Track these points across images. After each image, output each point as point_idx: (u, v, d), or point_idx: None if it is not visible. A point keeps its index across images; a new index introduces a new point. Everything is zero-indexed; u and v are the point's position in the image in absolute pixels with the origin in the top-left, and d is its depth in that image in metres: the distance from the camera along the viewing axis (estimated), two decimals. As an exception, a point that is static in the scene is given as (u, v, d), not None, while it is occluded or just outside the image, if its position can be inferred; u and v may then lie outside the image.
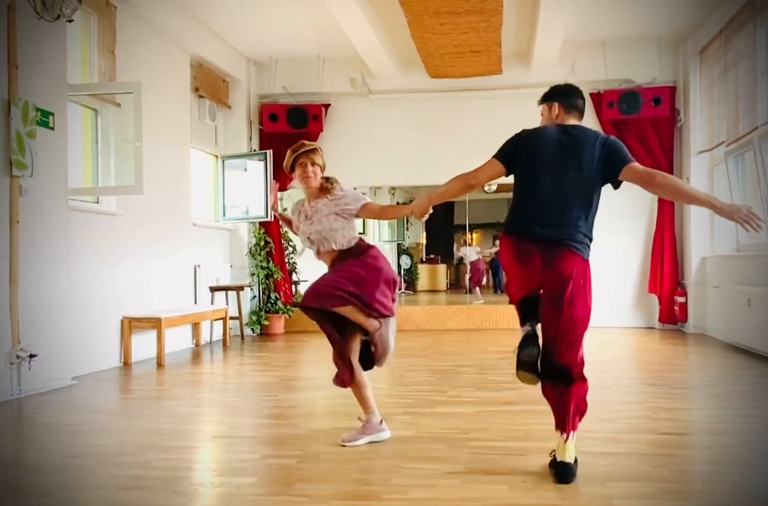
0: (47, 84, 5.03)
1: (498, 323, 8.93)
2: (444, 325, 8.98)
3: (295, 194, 9.77)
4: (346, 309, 3.34)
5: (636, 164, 2.94)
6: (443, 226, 12.70)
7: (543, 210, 2.95)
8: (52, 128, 5.06)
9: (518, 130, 3.48)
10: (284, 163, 3.59)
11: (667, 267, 8.47)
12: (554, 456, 2.92)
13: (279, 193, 8.94)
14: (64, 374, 5.15)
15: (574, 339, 2.89)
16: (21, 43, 4.77)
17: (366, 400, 3.51)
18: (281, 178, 8.94)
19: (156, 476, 2.93)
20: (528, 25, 7.57)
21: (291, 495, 2.70)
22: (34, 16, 4.87)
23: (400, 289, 13.50)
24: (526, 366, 2.92)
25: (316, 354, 7.22)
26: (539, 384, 2.98)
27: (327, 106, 9.02)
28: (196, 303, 7.73)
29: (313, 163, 3.50)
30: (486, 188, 9.89)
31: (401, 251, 14.04)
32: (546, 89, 3.52)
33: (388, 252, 13.95)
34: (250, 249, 8.82)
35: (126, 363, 6.18)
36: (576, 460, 2.88)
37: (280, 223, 4.00)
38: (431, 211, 3.28)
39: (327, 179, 3.56)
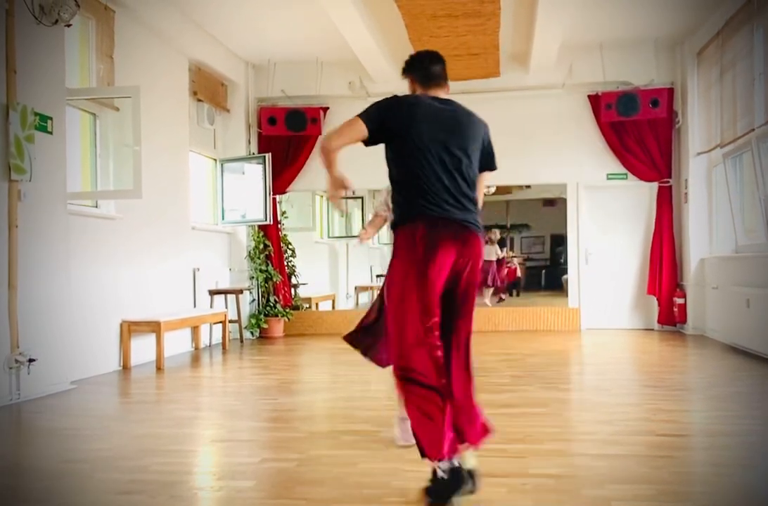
0: (46, 88, 5.04)
1: (497, 325, 8.94)
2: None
3: (294, 197, 9.80)
4: None
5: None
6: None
7: (446, 189, 2.67)
8: (51, 132, 5.06)
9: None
10: None
11: (665, 269, 8.48)
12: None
13: (278, 196, 9.02)
14: (63, 378, 5.15)
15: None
16: (19, 48, 4.77)
17: None
18: (280, 181, 8.98)
19: (155, 480, 2.93)
20: (525, 28, 7.59)
21: (291, 498, 2.70)
22: (33, 21, 4.88)
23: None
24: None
25: (316, 358, 7.22)
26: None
27: (325, 109, 9.03)
28: (195, 306, 7.73)
29: None
30: (485, 190, 9.83)
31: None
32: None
33: (387, 255, 13.93)
34: (249, 252, 8.83)
35: (125, 367, 6.18)
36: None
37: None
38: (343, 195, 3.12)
39: None
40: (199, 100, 8.05)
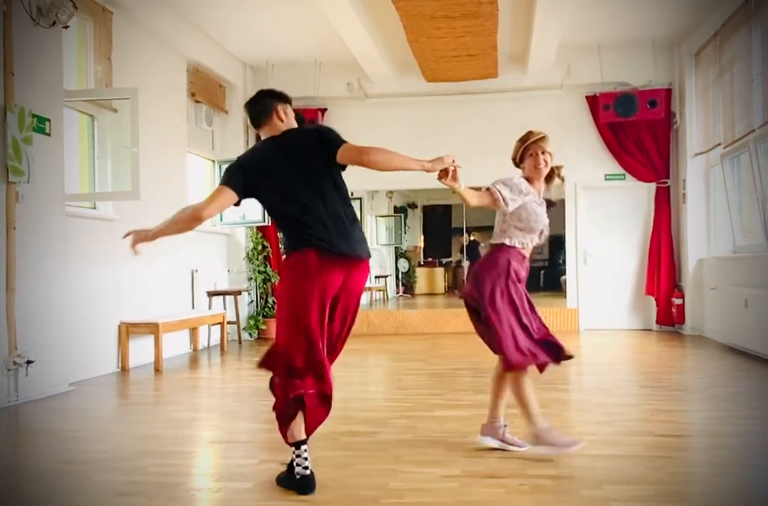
0: (43, 90, 5.04)
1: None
2: (442, 329, 8.97)
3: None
4: None
5: (349, 143, 2.92)
6: (441, 229, 12.70)
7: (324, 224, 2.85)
8: (49, 134, 5.06)
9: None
10: (511, 155, 3.43)
11: (664, 269, 8.48)
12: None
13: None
14: (61, 380, 5.15)
15: None
16: (17, 50, 4.77)
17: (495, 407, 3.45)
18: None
19: (154, 481, 2.93)
20: (524, 29, 7.59)
21: (289, 500, 2.70)
22: (30, 23, 4.88)
23: (397, 293, 13.51)
24: None
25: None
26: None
27: (324, 110, 9.03)
28: (193, 308, 7.72)
29: (544, 152, 3.33)
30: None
31: (399, 255, 14.03)
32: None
33: (385, 255, 13.96)
34: (248, 253, 8.83)
35: (123, 369, 6.17)
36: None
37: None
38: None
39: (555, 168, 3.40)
40: (197, 102, 8.05)
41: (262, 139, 3.15)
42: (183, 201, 7.54)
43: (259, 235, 8.81)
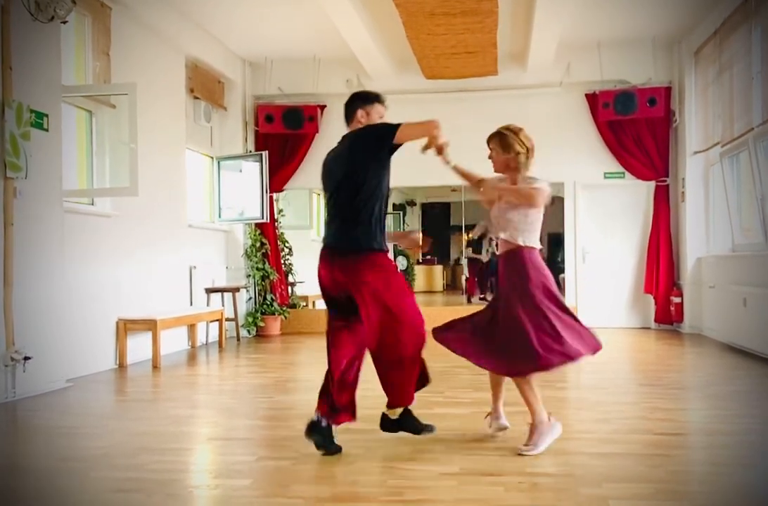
0: (41, 85, 5.01)
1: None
2: (440, 326, 8.94)
3: (291, 195, 9.78)
4: None
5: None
6: (439, 227, 12.69)
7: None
8: (47, 130, 5.04)
9: None
10: None
11: (662, 268, 8.48)
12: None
13: (275, 194, 9.00)
14: (59, 376, 5.13)
15: None
16: (15, 45, 4.75)
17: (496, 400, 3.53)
18: (277, 179, 8.96)
19: (151, 478, 2.92)
20: (523, 26, 7.58)
21: (287, 497, 2.69)
22: (28, 18, 4.85)
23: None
24: None
25: (312, 356, 7.20)
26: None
27: (323, 107, 9.01)
28: (191, 304, 7.71)
29: (492, 149, 3.59)
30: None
31: (397, 252, 14.01)
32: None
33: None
34: (246, 250, 8.81)
35: (121, 365, 6.16)
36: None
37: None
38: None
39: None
40: (196, 98, 8.02)
41: None
42: (181, 198, 7.55)
43: (258, 231, 8.79)
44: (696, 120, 8.17)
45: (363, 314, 3.22)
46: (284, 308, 8.88)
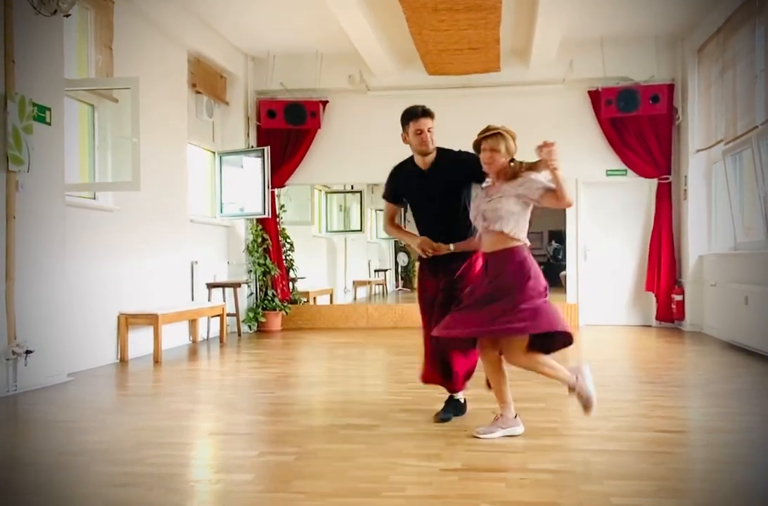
0: (44, 79, 5.00)
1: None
2: (441, 323, 8.95)
3: (292, 191, 9.77)
4: None
5: None
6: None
7: None
8: (49, 123, 5.03)
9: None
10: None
11: (664, 266, 8.47)
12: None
13: (276, 190, 8.99)
14: (60, 370, 5.13)
15: None
16: (18, 38, 4.74)
17: (503, 394, 3.51)
18: (278, 175, 8.96)
19: (152, 473, 2.92)
20: (526, 23, 7.55)
21: (288, 492, 2.69)
22: (31, 11, 4.82)
23: (396, 287, 13.50)
24: None
25: (313, 351, 7.21)
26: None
27: (325, 102, 9.00)
28: (193, 299, 7.71)
29: (492, 149, 3.43)
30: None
31: (398, 248, 14.01)
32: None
33: (385, 249, 13.95)
34: (248, 246, 8.81)
35: (122, 360, 6.16)
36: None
37: None
38: None
39: (513, 162, 3.48)
40: (198, 92, 8.01)
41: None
42: (183, 192, 7.54)
43: (259, 227, 8.79)
44: (699, 118, 8.15)
45: None
46: (285, 304, 8.88)
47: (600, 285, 8.90)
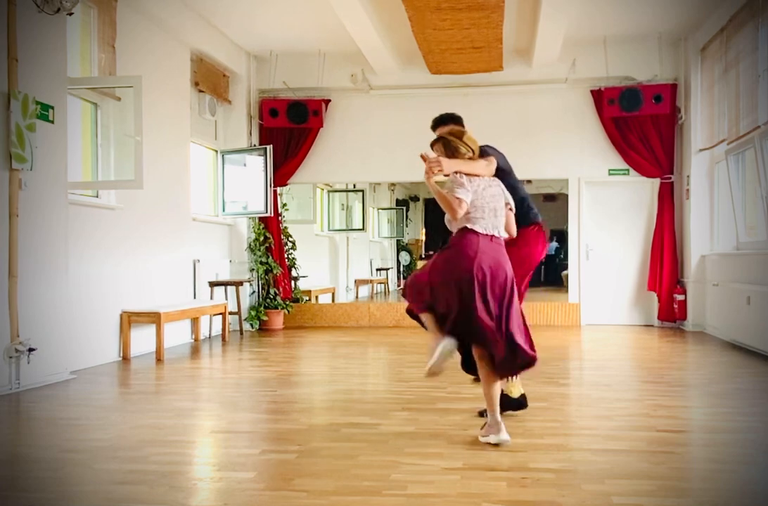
0: (47, 77, 5.01)
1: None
2: (443, 322, 8.96)
3: (295, 189, 9.78)
4: None
5: None
6: (442, 222, 12.67)
7: None
8: (52, 122, 5.04)
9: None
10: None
11: (666, 265, 8.47)
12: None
13: (279, 188, 9.00)
14: (62, 368, 5.15)
15: None
16: (21, 36, 4.74)
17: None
18: (281, 173, 8.96)
19: (154, 471, 2.93)
20: (529, 22, 7.55)
21: (290, 490, 2.69)
22: (35, 9, 4.85)
23: (399, 286, 13.50)
24: None
25: (315, 350, 7.22)
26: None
27: (327, 101, 9.00)
28: (195, 298, 7.72)
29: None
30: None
31: (400, 247, 14.03)
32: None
33: (387, 248, 13.96)
34: (250, 244, 8.82)
35: (125, 358, 6.17)
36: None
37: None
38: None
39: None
40: (201, 91, 8.01)
41: None
42: (185, 191, 7.56)
43: (261, 225, 8.80)
44: (701, 117, 8.15)
45: None
46: (287, 302, 8.89)
47: (602, 284, 8.90)
